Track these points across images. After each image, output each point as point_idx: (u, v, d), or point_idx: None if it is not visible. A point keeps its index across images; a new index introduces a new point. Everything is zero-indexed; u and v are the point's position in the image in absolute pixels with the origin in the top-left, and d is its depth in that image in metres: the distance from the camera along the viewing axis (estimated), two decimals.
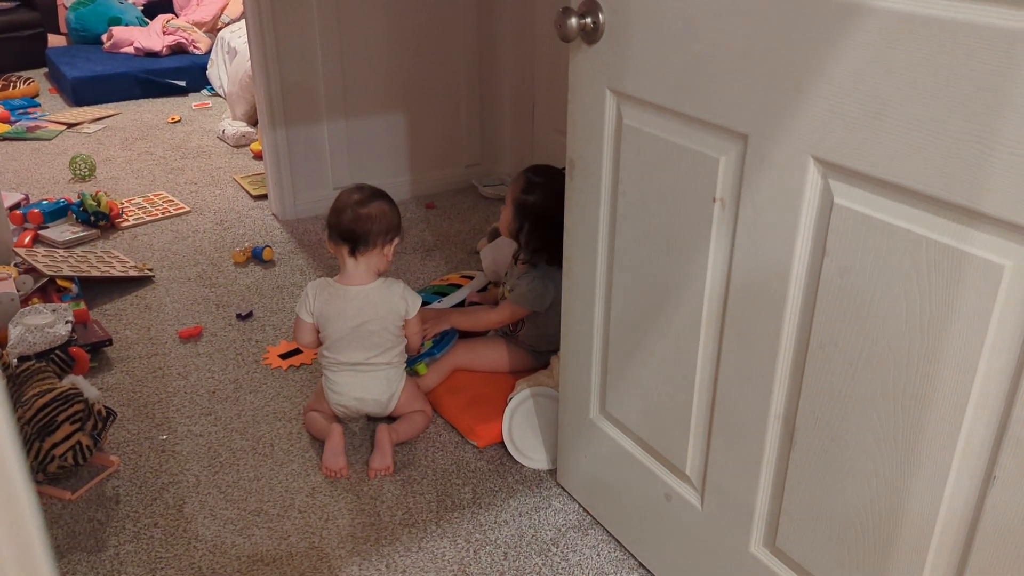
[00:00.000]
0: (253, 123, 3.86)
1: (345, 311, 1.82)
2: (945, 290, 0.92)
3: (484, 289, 2.34)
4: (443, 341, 2.05)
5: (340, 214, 1.81)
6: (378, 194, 1.85)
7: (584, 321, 1.54)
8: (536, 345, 2.06)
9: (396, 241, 1.85)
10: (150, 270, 2.65)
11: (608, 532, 1.64)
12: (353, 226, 1.79)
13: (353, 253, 1.81)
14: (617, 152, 1.35)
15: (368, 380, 1.86)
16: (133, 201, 3.19)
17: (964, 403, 0.93)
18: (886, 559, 1.07)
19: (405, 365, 1.92)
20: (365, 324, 1.82)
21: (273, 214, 3.11)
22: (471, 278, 2.41)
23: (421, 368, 1.99)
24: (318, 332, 1.87)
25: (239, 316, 2.40)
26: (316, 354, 1.90)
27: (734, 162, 1.15)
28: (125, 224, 2.99)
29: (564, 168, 2.03)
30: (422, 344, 2.01)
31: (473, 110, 3.29)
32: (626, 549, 1.60)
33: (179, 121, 4.25)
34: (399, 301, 1.85)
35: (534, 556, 1.59)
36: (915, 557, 1.04)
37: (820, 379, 1.10)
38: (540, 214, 1.96)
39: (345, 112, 3.03)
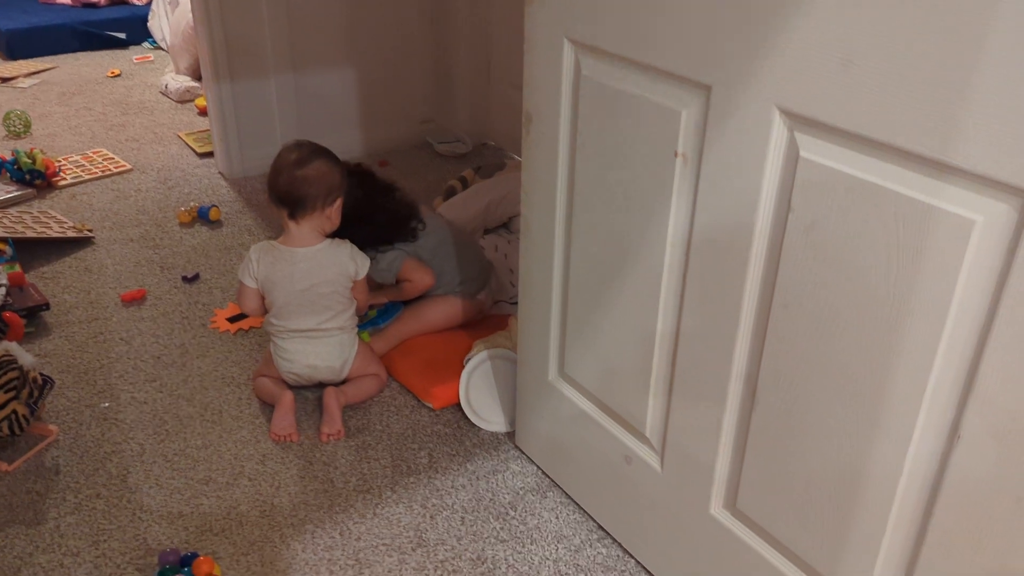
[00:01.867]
0: (198, 77, 3.72)
1: (293, 275, 1.75)
2: (913, 246, 0.89)
3: None
4: (388, 311, 2.01)
5: (277, 176, 1.72)
6: (317, 152, 1.75)
7: (542, 281, 1.49)
8: (455, 283, 2.03)
9: (339, 202, 1.76)
10: (90, 231, 2.54)
11: (567, 495, 1.62)
12: (289, 189, 1.70)
13: (293, 217, 1.73)
14: (575, 105, 1.30)
15: (320, 346, 1.80)
16: (71, 159, 3.06)
17: (930, 362, 0.91)
18: (848, 520, 1.06)
19: (357, 329, 1.87)
20: (314, 287, 1.75)
21: (220, 172, 3.00)
22: None
23: (364, 336, 1.94)
24: (263, 298, 1.79)
25: (185, 278, 2.31)
26: (263, 322, 1.83)
27: (696, 114, 1.10)
28: (62, 183, 2.86)
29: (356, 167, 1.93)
30: (366, 313, 1.96)
31: (427, 64, 3.19)
32: (585, 512, 1.58)
33: (119, 75, 4.07)
34: (348, 262, 1.78)
35: (492, 520, 1.57)
36: (877, 518, 1.02)
37: (783, 338, 1.07)
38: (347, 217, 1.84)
39: (293, 65, 2.92)
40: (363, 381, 1.84)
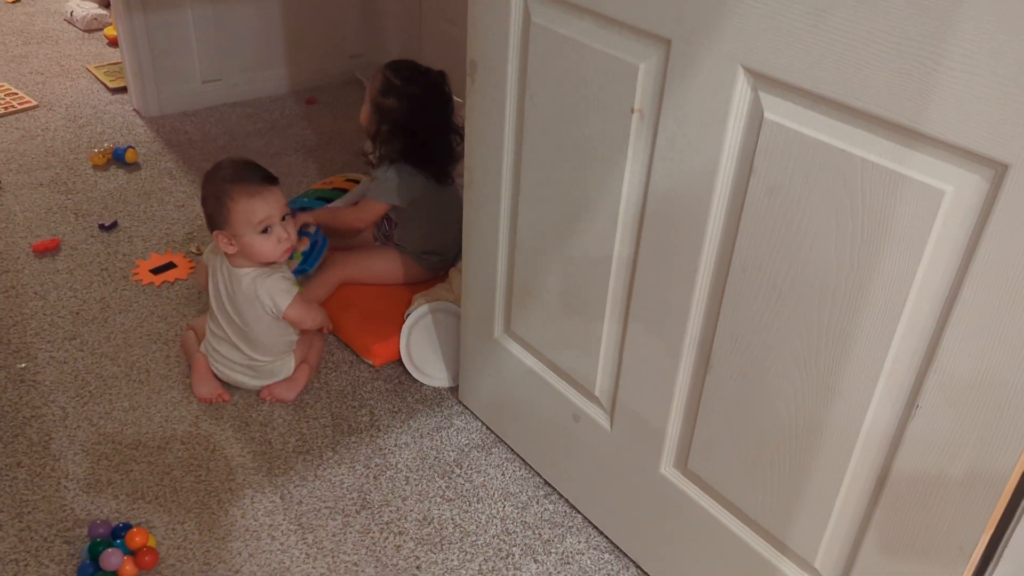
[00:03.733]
0: (105, 4, 3.47)
1: (218, 286, 1.61)
2: (880, 214, 0.87)
3: None
4: (312, 255, 1.90)
5: None
6: (206, 177, 1.58)
7: (488, 237, 1.44)
8: (416, 248, 1.96)
9: (217, 234, 1.54)
10: None
11: (513, 451, 1.60)
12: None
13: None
14: (524, 54, 1.23)
15: (244, 372, 1.67)
16: None
17: (892, 332, 0.90)
18: (801, 484, 1.06)
19: (290, 357, 1.70)
20: (230, 312, 1.61)
21: (135, 110, 2.82)
22: (357, 181, 2.25)
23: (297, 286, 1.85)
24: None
25: (102, 226, 2.18)
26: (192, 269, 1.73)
27: (655, 69, 1.05)
28: None
29: (428, 69, 1.91)
30: (291, 257, 1.86)
31: None
32: (531, 468, 1.56)
33: (18, 1, 3.78)
34: (264, 298, 1.57)
35: (437, 479, 1.54)
36: (831, 482, 1.03)
37: (741, 303, 1.05)
38: (395, 121, 1.86)
39: None
40: (314, 341, 1.75)
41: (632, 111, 1.09)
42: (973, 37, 0.75)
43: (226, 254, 1.58)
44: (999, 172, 0.77)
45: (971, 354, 0.84)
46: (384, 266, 1.94)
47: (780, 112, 0.93)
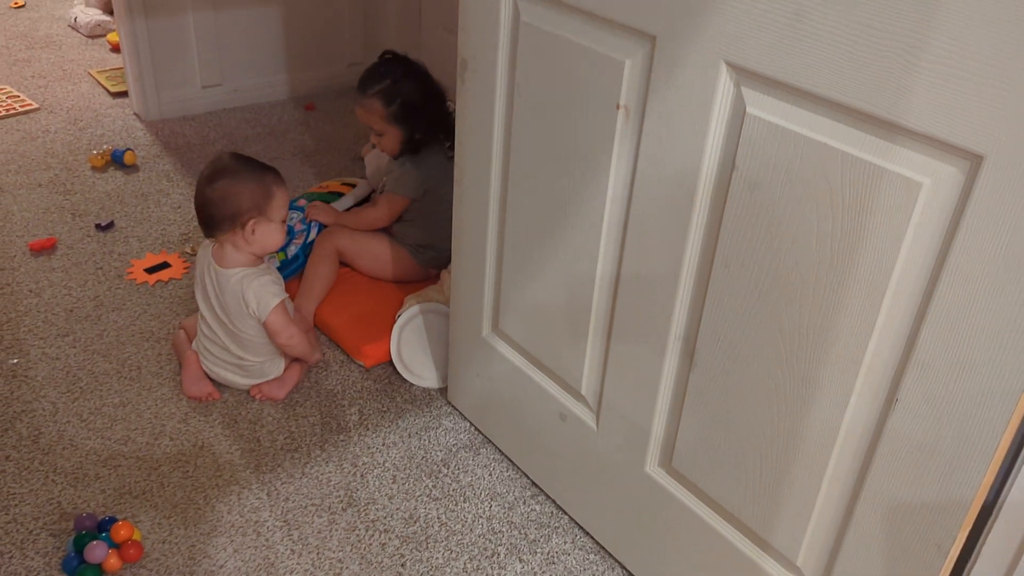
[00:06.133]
0: (109, 11, 3.50)
1: (206, 287, 1.61)
2: (859, 208, 0.88)
3: (367, 199, 2.21)
4: (290, 265, 1.95)
5: (196, 194, 1.58)
6: (224, 170, 1.56)
7: (476, 235, 1.45)
8: (413, 240, 1.97)
9: (252, 222, 1.55)
10: None
11: (500, 451, 1.60)
12: (202, 210, 1.56)
13: (209, 236, 1.59)
14: (513, 52, 1.24)
15: (235, 372, 1.67)
16: None
17: (871, 326, 0.90)
18: (783, 479, 1.06)
19: (279, 358, 1.70)
20: (220, 316, 1.61)
21: (135, 113, 2.84)
22: (353, 185, 2.26)
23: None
24: None
25: (99, 226, 2.19)
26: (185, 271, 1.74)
27: (640, 66, 1.06)
28: None
29: (383, 59, 1.93)
30: (273, 255, 1.89)
31: (355, 4, 3.06)
32: (519, 468, 1.56)
33: (23, 6, 3.81)
34: (250, 298, 1.58)
35: (424, 478, 1.54)
36: (812, 478, 1.03)
37: (723, 299, 1.05)
38: (417, 101, 1.89)
39: (214, 1, 2.76)
40: (287, 375, 1.73)
41: (618, 107, 1.10)
42: (949, 29, 0.76)
43: (213, 254, 1.59)
44: (975, 163, 0.78)
45: (949, 346, 0.85)
46: (378, 248, 1.95)
47: (762, 107, 0.94)
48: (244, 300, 1.58)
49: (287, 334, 1.62)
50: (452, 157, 1.95)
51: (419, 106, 1.88)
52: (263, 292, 1.59)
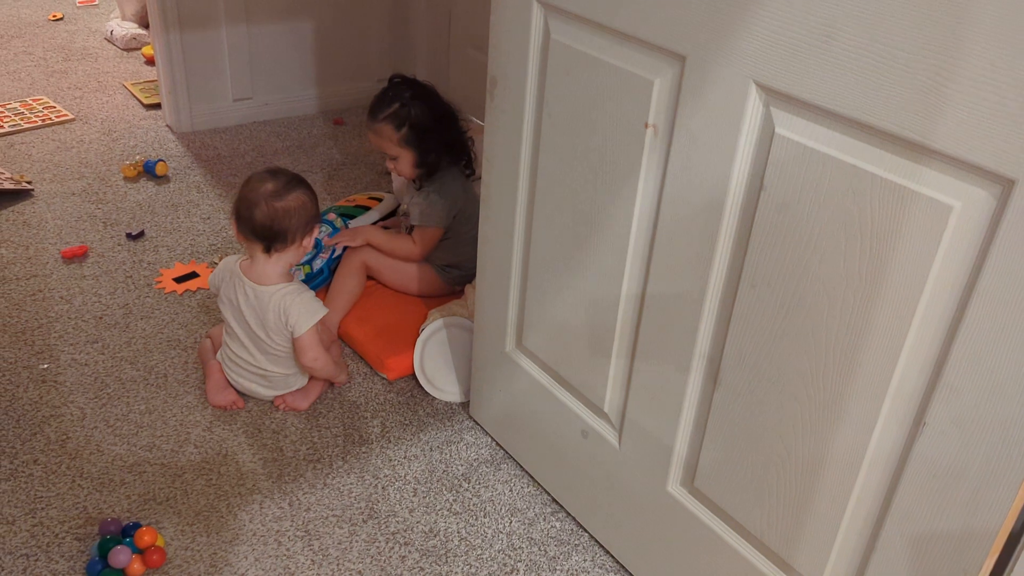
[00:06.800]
0: (145, 25, 3.56)
1: (239, 305, 1.62)
2: (888, 230, 0.87)
3: (392, 214, 2.22)
4: (316, 277, 1.96)
5: (252, 208, 1.55)
6: (294, 182, 1.60)
7: (502, 251, 1.46)
8: (443, 261, 1.98)
9: (316, 230, 1.63)
10: (28, 182, 2.42)
11: (521, 467, 1.60)
12: (270, 223, 1.55)
13: (268, 251, 1.59)
14: (543, 70, 1.25)
15: (259, 383, 1.69)
16: (9, 106, 2.91)
17: (898, 349, 0.90)
18: (807, 503, 1.05)
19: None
20: (253, 327, 1.63)
21: (167, 125, 2.88)
22: (380, 200, 2.28)
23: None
24: None
25: (129, 235, 2.22)
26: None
27: (669, 85, 1.07)
28: (0, 131, 2.72)
29: (400, 77, 1.94)
30: (298, 266, 1.90)
31: (385, 20, 3.10)
32: (539, 484, 1.56)
33: (61, 19, 3.89)
34: (288, 313, 1.60)
35: (445, 492, 1.54)
36: (837, 501, 1.02)
37: (749, 319, 1.05)
38: (428, 124, 1.88)
39: (247, 16, 2.81)
40: (310, 386, 1.74)
41: (646, 126, 1.11)
42: (980, 53, 0.76)
43: (243, 270, 1.61)
44: (1006, 188, 0.78)
45: (978, 370, 0.84)
46: (405, 264, 1.95)
47: (791, 127, 0.94)
48: (285, 315, 1.60)
49: (313, 355, 1.63)
50: (470, 174, 1.98)
51: (430, 128, 1.88)
52: (304, 309, 1.60)
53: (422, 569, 1.39)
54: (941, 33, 0.78)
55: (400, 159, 1.91)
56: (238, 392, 1.70)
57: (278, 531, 1.44)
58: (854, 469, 0.99)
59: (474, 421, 1.70)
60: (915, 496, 0.94)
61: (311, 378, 1.72)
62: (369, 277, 1.98)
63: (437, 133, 1.89)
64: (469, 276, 1.97)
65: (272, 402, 1.70)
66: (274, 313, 1.60)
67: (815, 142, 0.92)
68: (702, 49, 1.00)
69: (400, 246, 1.96)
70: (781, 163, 0.96)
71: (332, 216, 2.07)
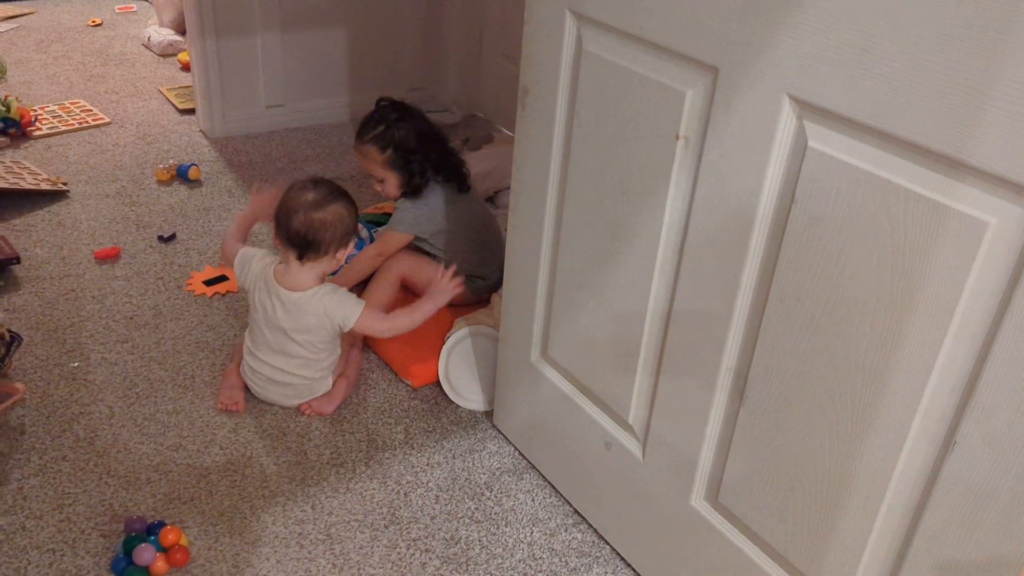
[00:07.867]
0: (181, 31, 3.62)
1: (274, 311, 1.63)
2: (922, 246, 0.87)
3: None
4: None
5: (291, 216, 1.57)
6: (335, 194, 1.61)
7: (529, 260, 1.46)
8: (469, 270, 1.97)
9: (352, 244, 1.65)
10: (64, 184, 2.46)
11: (544, 477, 1.59)
12: (305, 232, 1.57)
13: (301, 258, 1.60)
14: (575, 80, 1.26)
15: (283, 390, 1.70)
16: (47, 108, 2.97)
17: (930, 367, 0.89)
18: (833, 520, 1.04)
19: (329, 376, 1.74)
20: (291, 331, 1.64)
21: (201, 130, 2.92)
22: None
23: None
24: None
25: (161, 238, 2.25)
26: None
27: (701, 97, 1.06)
28: (38, 133, 2.77)
29: (387, 100, 1.94)
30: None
31: (418, 29, 3.12)
32: (562, 495, 1.55)
33: (100, 24, 3.96)
34: (334, 312, 1.63)
35: (467, 500, 1.54)
36: (864, 520, 1.01)
37: (778, 333, 1.05)
38: (413, 145, 1.88)
39: (281, 24, 2.84)
40: (335, 390, 1.75)
41: (677, 138, 1.11)
42: (1017, 68, 0.75)
43: (277, 278, 1.62)
44: None
45: (1012, 390, 0.83)
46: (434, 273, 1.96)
47: (824, 141, 0.94)
48: (328, 315, 1.62)
49: (381, 328, 1.69)
50: (465, 190, 1.96)
51: (415, 149, 1.87)
52: (346, 302, 1.64)
53: None
54: (977, 49, 0.77)
55: (386, 181, 1.91)
56: (256, 399, 1.71)
57: (300, 534, 1.44)
58: (882, 488, 0.97)
59: (497, 430, 1.70)
60: (944, 517, 0.92)
61: (336, 383, 1.73)
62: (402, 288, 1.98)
63: (422, 155, 1.88)
64: (493, 285, 1.98)
65: (298, 407, 1.71)
66: (315, 316, 1.62)
67: (848, 156, 0.91)
68: (735, 61, 1.00)
69: (360, 256, 1.97)
70: (813, 177, 0.95)
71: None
